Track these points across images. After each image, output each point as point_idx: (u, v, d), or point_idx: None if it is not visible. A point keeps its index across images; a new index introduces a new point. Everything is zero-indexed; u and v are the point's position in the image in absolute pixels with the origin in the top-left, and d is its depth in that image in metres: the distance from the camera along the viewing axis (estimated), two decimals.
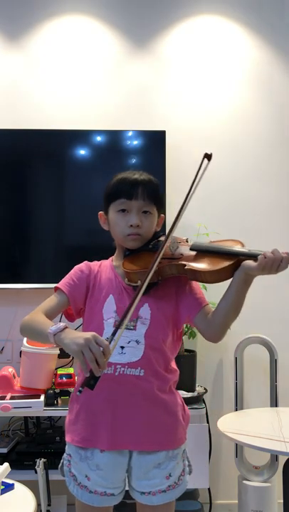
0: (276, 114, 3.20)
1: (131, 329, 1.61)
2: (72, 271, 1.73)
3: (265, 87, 3.20)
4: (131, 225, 1.65)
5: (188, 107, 3.17)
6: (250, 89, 3.20)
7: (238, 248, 1.60)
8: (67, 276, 1.71)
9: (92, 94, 3.15)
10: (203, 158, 1.58)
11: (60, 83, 3.14)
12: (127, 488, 1.68)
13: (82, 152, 3.07)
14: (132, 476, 1.64)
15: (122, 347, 1.59)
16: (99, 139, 3.06)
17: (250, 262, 1.53)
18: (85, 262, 1.75)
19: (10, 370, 2.77)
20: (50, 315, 1.63)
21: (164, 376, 1.64)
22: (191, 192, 1.55)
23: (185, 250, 1.64)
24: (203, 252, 1.62)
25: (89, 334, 1.39)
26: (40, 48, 3.15)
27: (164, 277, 1.63)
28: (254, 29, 3.19)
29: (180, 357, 2.82)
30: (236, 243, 1.64)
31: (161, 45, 3.18)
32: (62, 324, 1.49)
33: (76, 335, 1.43)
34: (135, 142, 3.08)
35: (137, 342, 1.61)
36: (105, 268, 1.73)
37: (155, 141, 3.02)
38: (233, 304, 1.59)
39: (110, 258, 1.77)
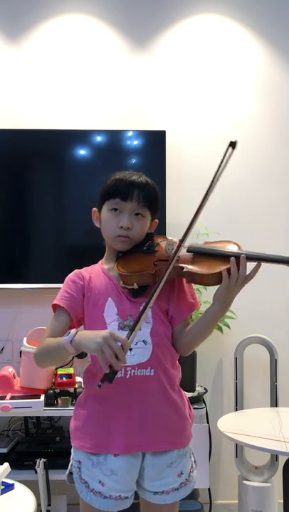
0: (277, 113, 3.20)
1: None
2: (64, 284, 1.70)
3: (267, 86, 3.20)
4: (121, 227, 1.64)
5: (189, 107, 3.17)
6: (251, 89, 3.20)
7: (235, 250, 1.58)
8: (61, 290, 1.69)
9: (92, 93, 3.15)
10: (228, 147, 1.54)
11: (60, 83, 3.14)
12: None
13: (82, 152, 3.08)
14: (144, 477, 1.63)
15: (130, 349, 1.57)
16: (99, 139, 3.07)
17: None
18: (75, 271, 1.73)
19: (10, 370, 2.77)
20: (58, 336, 1.62)
21: (171, 373, 1.65)
22: (214, 184, 1.52)
23: (181, 252, 1.61)
24: (200, 254, 1.60)
25: (106, 332, 1.42)
26: (40, 47, 3.15)
27: (160, 279, 1.61)
28: (254, 28, 3.19)
29: (180, 357, 2.83)
30: (232, 244, 1.62)
31: (161, 45, 3.18)
32: (72, 331, 1.50)
33: (92, 334, 1.45)
34: (135, 142, 3.08)
35: (144, 342, 1.60)
36: (97, 273, 1.71)
37: (155, 141, 3.02)
38: (206, 326, 1.62)
39: (100, 262, 1.75)
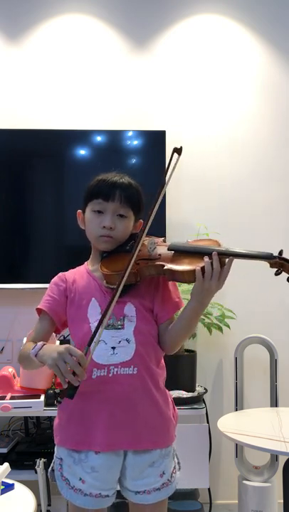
0: (277, 113, 3.20)
1: (119, 328, 1.61)
2: (48, 287, 1.74)
3: (267, 86, 3.20)
4: (104, 227, 1.66)
5: (189, 107, 3.17)
6: (251, 89, 3.20)
7: (215, 247, 1.59)
8: (45, 294, 1.73)
9: (92, 94, 3.15)
10: (173, 153, 1.58)
11: (59, 83, 3.14)
12: (118, 488, 1.67)
13: (82, 152, 3.07)
14: (125, 476, 1.63)
15: (114, 347, 1.59)
16: (99, 139, 3.07)
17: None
18: (59, 274, 1.76)
19: (10, 370, 2.76)
20: (42, 339, 1.65)
21: (155, 372, 1.65)
22: (164, 189, 1.55)
23: (163, 250, 1.64)
24: (180, 252, 1.62)
25: (62, 347, 1.43)
26: (40, 47, 3.15)
27: (143, 278, 1.63)
28: (254, 28, 3.19)
29: (180, 357, 2.83)
30: (213, 243, 1.64)
31: (161, 45, 3.18)
32: (39, 343, 1.54)
33: (51, 349, 1.47)
34: (135, 142, 3.08)
35: (128, 341, 1.61)
36: (81, 274, 1.73)
37: (155, 141, 3.02)
38: (187, 323, 1.62)
39: (85, 263, 1.77)
